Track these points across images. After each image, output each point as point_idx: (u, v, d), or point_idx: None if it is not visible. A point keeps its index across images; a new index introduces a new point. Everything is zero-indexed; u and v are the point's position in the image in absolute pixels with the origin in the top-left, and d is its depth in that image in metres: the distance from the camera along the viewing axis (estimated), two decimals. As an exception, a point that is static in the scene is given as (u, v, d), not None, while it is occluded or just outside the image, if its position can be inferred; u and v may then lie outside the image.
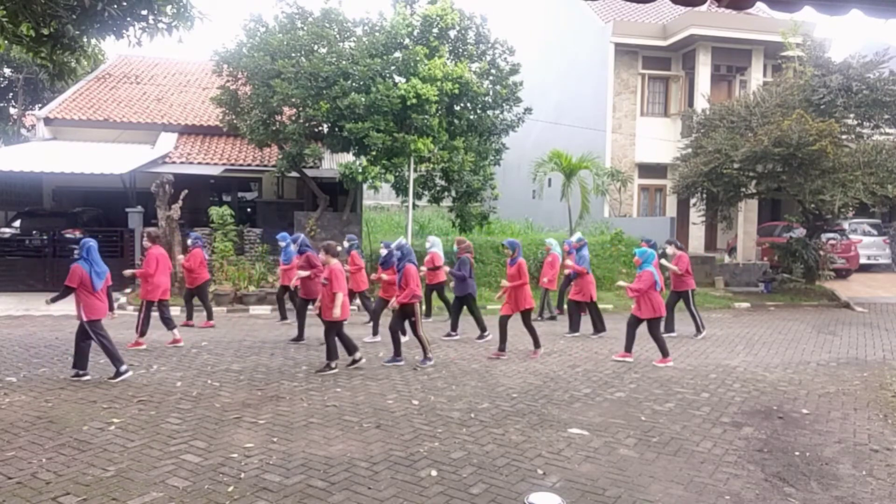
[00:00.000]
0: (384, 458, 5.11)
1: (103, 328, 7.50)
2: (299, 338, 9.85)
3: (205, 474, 4.75)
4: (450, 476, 4.80)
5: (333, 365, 7.95)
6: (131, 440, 5.41)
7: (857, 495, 4.65)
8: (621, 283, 9.66)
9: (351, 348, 8.17)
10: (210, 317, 11.28)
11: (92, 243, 7.63)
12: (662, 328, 9.26)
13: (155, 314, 9.46)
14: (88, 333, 7.37)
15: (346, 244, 11.24)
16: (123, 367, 7.44)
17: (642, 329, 8.75)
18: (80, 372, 7.44)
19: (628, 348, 8.91)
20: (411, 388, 7.23)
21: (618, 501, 4.45)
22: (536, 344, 9.10)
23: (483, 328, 10.21)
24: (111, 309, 7.74)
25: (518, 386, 7.41)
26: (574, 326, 10.81)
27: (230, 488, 4.51)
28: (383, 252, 9.99)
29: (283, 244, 11.21)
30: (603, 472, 4.93)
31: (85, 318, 7.35)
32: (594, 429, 5.93)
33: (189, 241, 11.41)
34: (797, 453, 5.46)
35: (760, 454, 5.42)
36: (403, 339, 9.00)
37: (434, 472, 4.85)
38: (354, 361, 8.15)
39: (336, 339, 8.05)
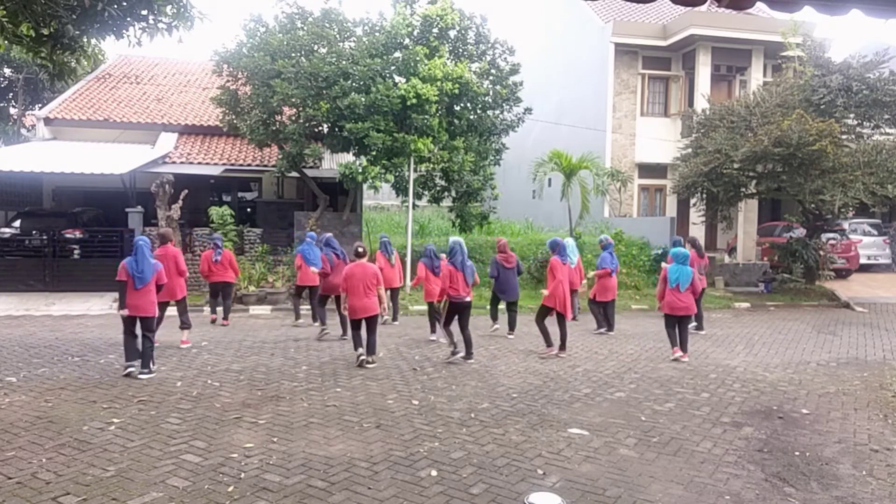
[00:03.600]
0: (384, 458, 5.11)
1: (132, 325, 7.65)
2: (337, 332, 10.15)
3: (205, 474, 4.75)
4: (450, 476, 4.80)
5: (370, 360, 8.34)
6: (131, 440, 5.41)
7: (857, 495, 4.65)
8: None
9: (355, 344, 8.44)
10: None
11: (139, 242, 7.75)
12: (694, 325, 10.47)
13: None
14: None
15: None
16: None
17: (639, 330, 8.87)
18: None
19: (674, 344, 9.01)
20: (411, 388, 7.23)
21: (618, 501, 4.45)
22: (548, 343, 9.21)
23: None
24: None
25: (518, 386, 7.41)
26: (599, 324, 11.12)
27: (230, 488, 4.51)
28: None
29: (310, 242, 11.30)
30: (603, 472, 4.93)
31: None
32: (594, 429, 5.93)
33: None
34: (797, 453, 5.46)
35: (760, 454, 5.42)
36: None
37: (434, 472, 4.85)
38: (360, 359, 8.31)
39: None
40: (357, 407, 6.49)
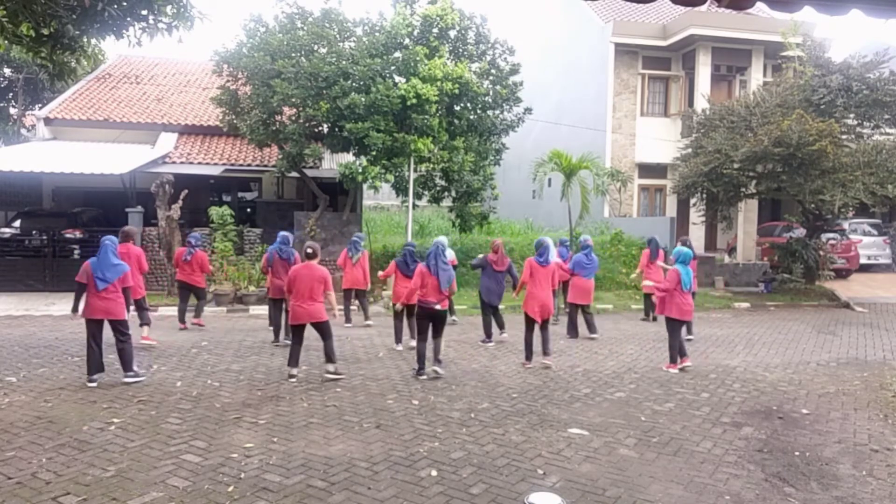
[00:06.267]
0: (384, 458, 5.11)
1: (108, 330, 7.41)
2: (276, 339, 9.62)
3: (205, 474, 4.75)
4: (450, 476, 4.80)
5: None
6: (131, 440, 5.41)
7: (857, 495, 4.65)
8: (647, 282, 9.62)
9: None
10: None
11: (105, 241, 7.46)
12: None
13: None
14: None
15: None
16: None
17: (639, 330, 8.73)
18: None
19: (684, 354, 8.51)
20: (411, 388, 7.23)
21: (618, 501, 4.45)
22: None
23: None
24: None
25: (518, 386, 7.41)
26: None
27: (230, 488, 4.51)
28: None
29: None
30: (603, 472, 4.93)
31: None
32: (594, 429, 5.93)
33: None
34: (797, 453, 5.46)
35: (760, 454, 5.42)
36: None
37: (434, 472, 4.85)
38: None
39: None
40: (357, 407, 6.49)
